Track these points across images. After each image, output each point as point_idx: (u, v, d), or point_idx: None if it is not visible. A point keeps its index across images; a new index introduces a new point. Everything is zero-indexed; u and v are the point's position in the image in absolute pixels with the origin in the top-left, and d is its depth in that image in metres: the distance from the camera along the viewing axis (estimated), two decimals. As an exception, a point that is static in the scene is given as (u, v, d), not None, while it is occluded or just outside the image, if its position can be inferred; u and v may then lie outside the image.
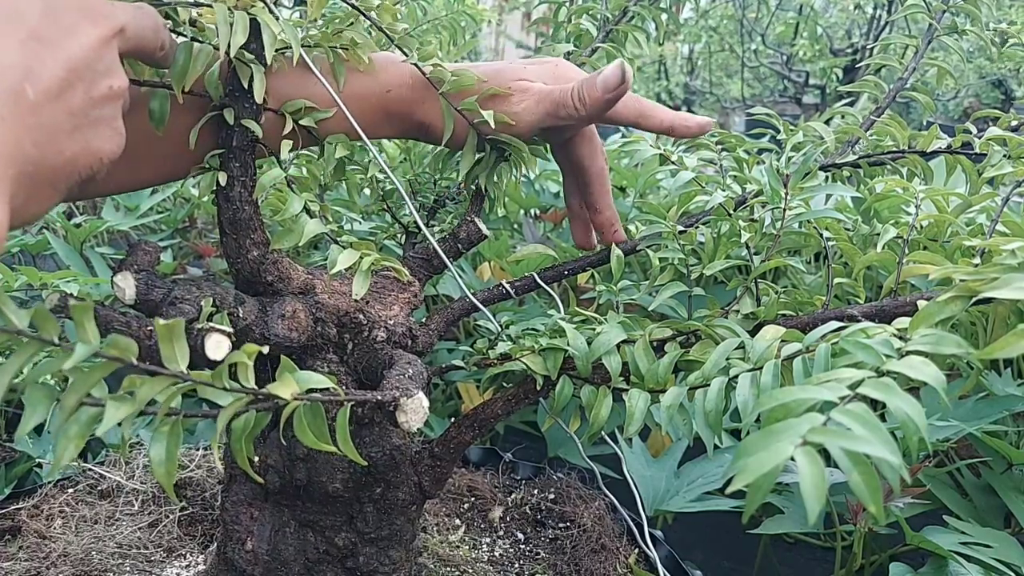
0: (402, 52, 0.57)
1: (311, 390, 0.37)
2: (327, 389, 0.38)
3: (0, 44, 0.34)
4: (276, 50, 0.49)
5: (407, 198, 0.63)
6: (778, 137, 0.66)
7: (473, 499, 0.85)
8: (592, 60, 0.70)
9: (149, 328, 0.46)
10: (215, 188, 0.53)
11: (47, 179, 0.38)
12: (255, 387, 0.36)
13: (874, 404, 0.30)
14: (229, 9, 0.46)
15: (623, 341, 0.54)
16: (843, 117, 0.71)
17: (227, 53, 0.46)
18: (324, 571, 0.61)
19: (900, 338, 0.35)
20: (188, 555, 0.74)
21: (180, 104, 0.51)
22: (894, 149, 0.65)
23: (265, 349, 0.36)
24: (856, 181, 0.66)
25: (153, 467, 0.34)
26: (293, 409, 0.37)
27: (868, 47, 3.02)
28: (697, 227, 0.62)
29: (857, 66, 3.02)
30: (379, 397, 0.44)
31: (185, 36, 0.48)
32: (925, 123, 0.73)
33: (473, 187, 0.66)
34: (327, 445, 0.38)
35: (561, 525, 0.81)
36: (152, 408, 0.34)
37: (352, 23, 0.55)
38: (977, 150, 0.62)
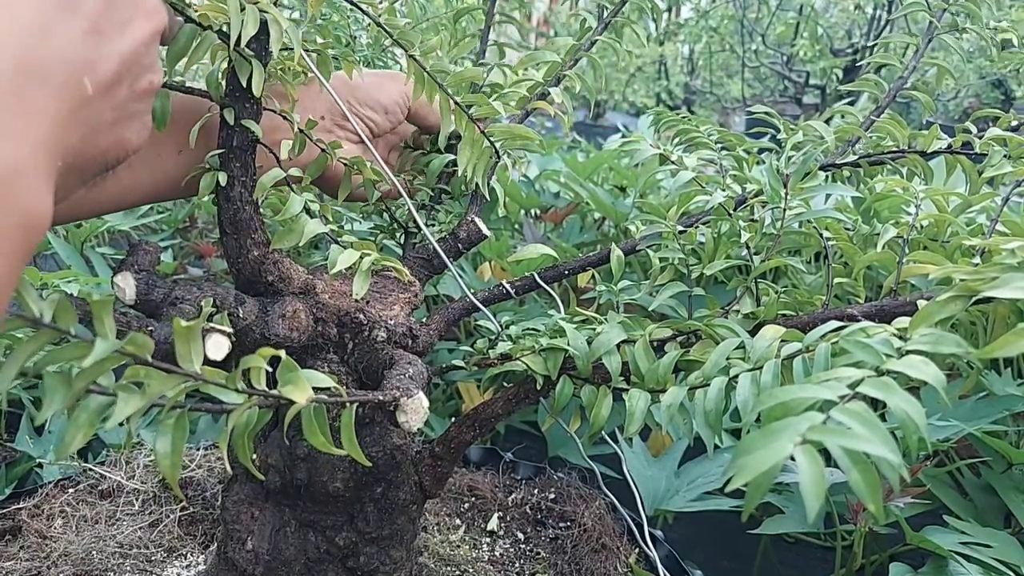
0: (402, 48, 0.57)
1: (314, 389, 0.37)
2: (328, 389, 0.38)
3: (64, 36, 0.34)
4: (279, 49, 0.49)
5: (407, 198, 0.63)
6: (778, 137, 0.66)
7: (474, 499, 0.85)
8: (592, 55, 0.70)
9: (149, 328, 0.46)
10: (215, 188, 0.53)
11: (80, 169, 0.38)
12: (266, 389, 0.36)
13: (874, 404, 0.30)
14: (241, 3, 0.46)
15: (623, 341, 0.54)
16: (843, 117, 0.71)
17: (236, 45, 0.47)
18: (325, 570, 0.61)
19: (900, 338, 0.35)
20: (189, 555, 0.74)
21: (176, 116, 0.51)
22: (894, 149, 0.65)
23: (282, 353, 0.36)
24: (856, 181, 0.66)
25: (159, 460, 0.34)
26: (298, 410, 0.37)
27: (868, 47, 3.02)
28: (697, 227, 0.62)
29: (857, 66, 3.02)
30: (380, 397, 0.44)
31: (195, 22, 0.48)
32: (925, 123, 0.73)
33: (472, 187, 0.66)
34: (337, 449, 0.38)
35: (561, 525, 0.81)
36: (159, 402, 0.34)
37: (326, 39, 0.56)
38: (977, 150, 0.62)
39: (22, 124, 0.31)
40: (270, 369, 0.37)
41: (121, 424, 0.33)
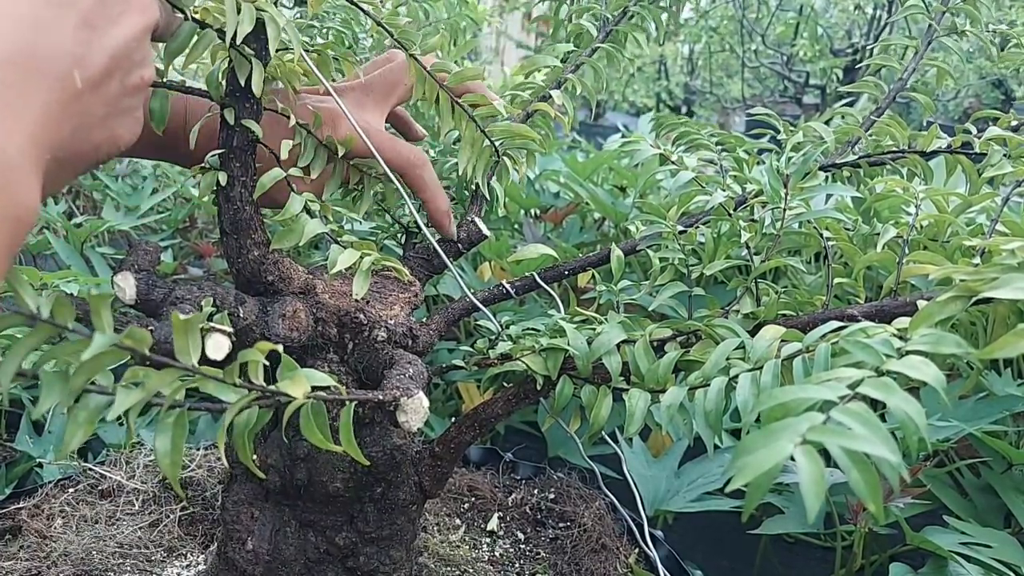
0: (402, 47, 0.57)
1: (314, 388, 0.37)
2: (328, 387, 0.38)
3: (56, 29, 0.34)
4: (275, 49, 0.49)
5: (407, 198, 0.63)
6: (778, 137, 0.66)
7: (473, 499, 0.85)
8: (592, 60, 0.70)
9: (149, 328, 0.46)
10: (215, 188, 0.53)
11: (71, 163, 0.38)
12: (263, 384, 0.36)
13: (874, 405, 0.30)
14: (238, 2, 0.46)
15: (623, 341, 0.54)
16: (843, 117, 0.71)
17: (233, 43, 0.47)
18: (325, 571, 0.61)
19: (900, 338, 0.35)
20: (189, 555, 0.74)
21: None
22: (894, 149, 0.65)
23: (280, 348, 0.36)
24: (856, 181, 0.66)
25: (159, 459, 0.34)
26: (297, 407, 0.37)
27: (868, 47, 3.02)
28: (697, 227, 0.62)
29: (857, 66, 3.02)
30: (380, 397, 0.44)
31: (196, 20, 0.48)
32: (925, 123, 0.73)
33: (473, 187, 0.66)
34: (333, 445, 0.38)
35: (561, 525, 0.81)
36: (158, 399, 0.34)
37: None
38: (977, 150, 0.62)
39: (13, 117, 0.31)
40: (267, 363, 0.37)
41: (121, 424, 0.33)
